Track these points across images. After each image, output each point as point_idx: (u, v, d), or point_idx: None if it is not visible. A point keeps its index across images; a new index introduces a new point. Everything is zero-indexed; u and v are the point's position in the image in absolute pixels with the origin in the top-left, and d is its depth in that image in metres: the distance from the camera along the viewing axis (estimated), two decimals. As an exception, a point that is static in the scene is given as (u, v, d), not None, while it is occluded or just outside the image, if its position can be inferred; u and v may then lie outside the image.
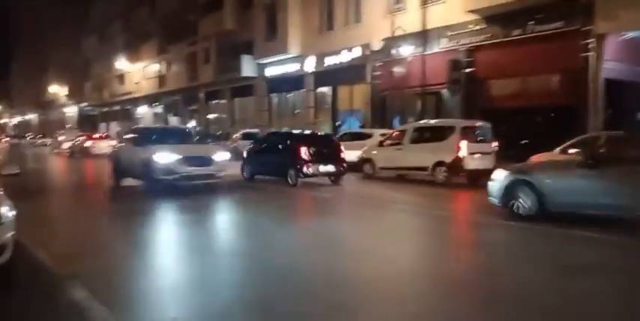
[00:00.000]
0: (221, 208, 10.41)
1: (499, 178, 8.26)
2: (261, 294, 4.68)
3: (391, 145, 14.64)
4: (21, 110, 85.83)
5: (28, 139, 56.35)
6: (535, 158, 11.82)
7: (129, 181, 12.79)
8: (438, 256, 6.27)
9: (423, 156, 13.47)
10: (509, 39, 16.68)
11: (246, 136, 22.70)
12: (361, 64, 22.40)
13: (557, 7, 15.27)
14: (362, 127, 22.08)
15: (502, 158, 12.92)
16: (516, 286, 4.85)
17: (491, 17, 17.07)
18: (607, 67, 14.91)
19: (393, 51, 20.80)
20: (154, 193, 11.29)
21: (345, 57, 23.15)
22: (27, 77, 76.02)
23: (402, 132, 14.77)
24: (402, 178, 14.65)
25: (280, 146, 13.79)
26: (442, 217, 8.93)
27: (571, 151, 11.36)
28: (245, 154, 14.98)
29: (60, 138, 35.01)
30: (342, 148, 14.06)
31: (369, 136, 17.39)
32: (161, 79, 41.32)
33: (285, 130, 18.96)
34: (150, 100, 43.61)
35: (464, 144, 12.85)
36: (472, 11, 17.20)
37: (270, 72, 28.37)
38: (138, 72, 45.11)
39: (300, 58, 25.84)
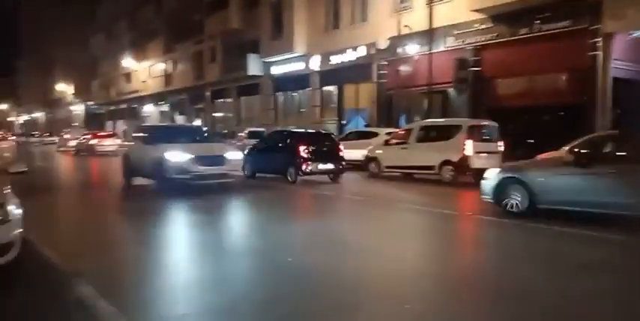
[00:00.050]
0: (230, 206, 10.40)
1: (492, 176, 8.53)
2: (268, 293, 4.69)
3: (397, 144, 14.62)
4: (28, 108, 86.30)
5: (35, 137, 56.63)
6: (541, 157, 11.77)
7: (140, 181, 12.62)
8: (440, 255, 6.25)
9: (430, 155, 13.45)
10: (516, 38, 16.61)
11: (252, 135, 22.72)
12: (367, 63, 22.37)
13: (564, 5, 15.20)
14: (367, 125, 22.07)
15: (509, 157, 12.88)
16: (516, 285, 4.83)
17: (497, 16, 17.00)
18: (615, 66, 14.84)
19: (399, 50, 20.76)
20: (164, 192, 11.21)
21: (351, 56, 23.12)
22: (34, 75, 76.38)
23: (408, 131, 14.75)
24: (408, 177, 14.63)
25: (280, 144, 14.05)
26: (448, 215, 8.91)
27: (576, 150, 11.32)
28: (246, 152, 15.04)
29: (66, 136, 35.20)
30: (341, 146, 14.27)
31: (374, 134, 17.38)
32: (167, 77, 41.43)
33: (280, 128, 19.08)
34: (156, 98, 43.73)
35: (470, 143, 12.83)
36: (477, 10, 17.15)
37: (276, 71, 28.38)
38: (144, 70, 45.25)
39: (306, 57, 25.83)
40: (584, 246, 6.47)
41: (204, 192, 11.01)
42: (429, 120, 16.16)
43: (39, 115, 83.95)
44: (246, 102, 32.91)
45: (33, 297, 4.48)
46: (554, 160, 8.17)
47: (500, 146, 13.61)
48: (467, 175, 13.00)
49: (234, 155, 11.97)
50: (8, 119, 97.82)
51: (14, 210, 4.70)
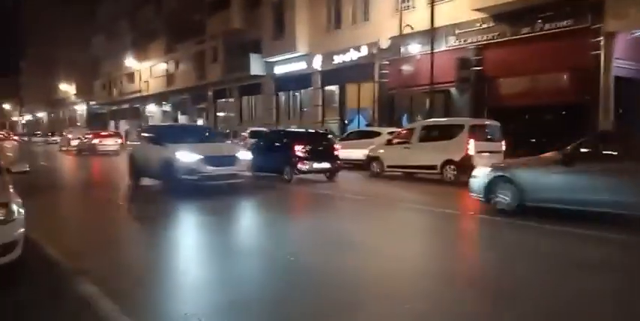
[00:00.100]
0: (232, 206, 10.38)
1: (480, 174, 8.73)
2: (271, 293, 4.71)
3: (399, 143, 14.62)
4: (31, 108, 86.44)
5: (38, 137, 56.77)
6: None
7: (146, 181, 12.50)
8: (442, 255, 6.25)
9: (432, 154, 13.45)
10: (518, 37, 16.61)
11: (254, 135, 22.71)
12: (369, 63, 22.38)
13: (565, 5, 15.20)
14: (368, 125, 22.09)
15: (511, 157, 12.84)
16: (518, 285, 4.85)
17: (499, 15, 17.00)
18: (617, 66, 14.82)
19: (401, 49, 20.77)
20: (171, 192, 11.04)
21: (352, 55, 23.13)
22: (36, 75, 76.42)
23: (410, 130, 14.74)
24: (409, 176, 14.63)
25: (277, 144, 14.24)
26: (450, 215, 8.92)
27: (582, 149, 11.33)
28: None
29: (68, 136, 35.32)
30: (337, 146, 14.60)
31: (376, 134, 17.38)
32: (169, 77, 41.48)
33: (281, 128, 19.12)
34: (158, 98, 43.79)
35: (472, 142, 12.83)
36: (479, 10, 17.16)
37: (278, 70, 28.40)
38: (146, 70, 45.32)
39: (308, 57, 25.85)
40: (583, 245, 6.46)
41: (205, 192, 10.95)
42: (431, 119, 16.16)
43: (42, 115, 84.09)
44: (248, 102, 32.95)
45: (36, 296, 4.50)
46: (542, 159, 8.31)
47: (503, 146, 13.59)
48: (469, 175, 12.96)
49: (244, 155, 11.77)
50: (11, 119, 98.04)
51: (17, 209, 4.73)
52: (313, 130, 15.73)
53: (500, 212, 8.21)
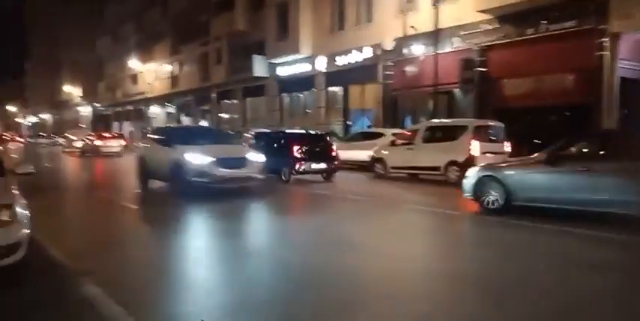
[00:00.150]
0: (235, 207, 10.37)
1: (471, 174, 8.97)
2: (273, 294, 4.71)
3: (403, 144, 14.60)
4: (35, 110, 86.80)
5: (42, 138, 56.99)
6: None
7: (156, 183, 12.35)
8: (444, 255, 6.25)
9: (436, 156, 13.43)
10: (523, 38, 16.57)
11: (258, 136, 22.69)
12: (373, 64, 22.36)
13: (570, 6, 15.15)
14: (370, 126, 22.08)
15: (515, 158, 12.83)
16: (522, 285, 4.83)
17: (503, 17, 16.96)
18: (622, 66, 14.77)
19: (405, 50, 20.76)
20: (180, 194, 10.91)
21: (356, 56, 23.12)
22: (41, 77, 76.83)
23: (414, 131, 14.72)
24: (414, 177, 14.61)
25: (275, 145, 14.37)
26: (453, 216, 8.92)
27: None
28: None
29: (71, 137, 35.46)
30: (334, 147, 14.82)
31: (380, 135, 17.37)
32: (173, 79, 41.58)
33: (277, 129, 19.19)
34: (162, 100, 43.89)
35: (476, 143, 12.80)
36: (483, 11, 17.11)
37: (281, 72, 28.43)
38: (150, 72, 45.43)
39: (312, 58, 25.86)
40: (582, 245, 6.46)
41: (210, 194, 10.87)
42: (435, 120, 16.13)
43: (46, 116, 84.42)
44: (252, 103, 32.97)
45: (40, 297, 4.51)
46: (529, 159, 8.49)
47: (507, 147, 13.57)
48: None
49: (257, 157, 11.50)
50: (16, 120, 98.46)
51: (22, 211, 4.74)
52: (310, 132, 15.83)
53: (492, 212, 8.40)
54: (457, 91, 19.25)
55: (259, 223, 9.08)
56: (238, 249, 6.63)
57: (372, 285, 4.93)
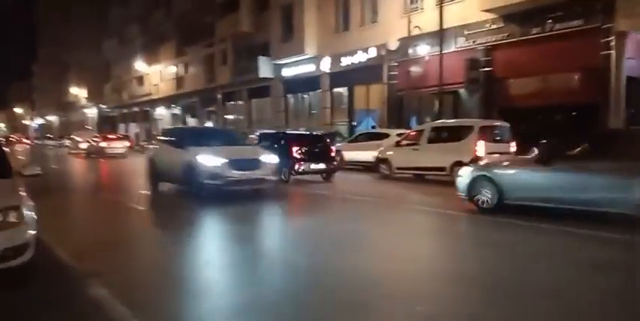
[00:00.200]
0: (239, 208, 10.38)
1: (465, 174, 8.99)
2: (279, 294, 4.71)
3: (408, 145, 14.58)
4: (42, 112, 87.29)
5: (49, 140, 57.31)
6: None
7: (166, 185, 12.21)
8: (448, 256, 6.24)
9: (441, 156, 13.39)
10: (528, 37, 16.51)
11: (263, 137, 22.73)
12: (377, 64, 22.35)
13: (576, 4, 15.09)
14: (373, 127, 22.06)
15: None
16: (529, 285, 4.81)
17: (508, 16, 16.91)
18: (628, 65, 14.69)
19: (410, 51, 20.73)
20: (192, 197, 10.74)
21: (361, 57, 23.11)
22: (48, 79, 77.28)
23: (419, 132, 14.69)
24: (419, 178, 14.58)
25: (275, 146, 14.33)
26: (457, 217, 8.88)
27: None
28: None
29: (77, 139, 35.67)
30: (333, 147, 15.12)
31: (385, 136, 17.34)
32: (179, 80, 41.70)
33: (282, 130, 19.30)
34: (168, 101, 44.03)
35: (481, 144, 12.76)
36: (488, 10, 17.07)
37: (286, 73, 28.46)
38: (156, 74, 45.60)
39: (317, 59, 25.87)
40: (582, 245, 6.43)
41: (219, 196, 10.78)
42: (440, 121, 16.10)
43: (53, 118, 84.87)
44: (257, 104, 33.02)
45: (48, 298, 4.53)
46: (521, 159, 8.55)
47: (513, 147, 13.51)
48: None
49: (271, 159, 11.18)
50: (23, 122, 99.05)
51: (29, 212, 4.77)
52: (310, 132, 15.96)
53: (486, 211, 8.43)
54: (462, 91, 19.21)
55: (265, 224, 9.08)
56: (246, 251, 6.63)
57: (372, 285, 4.91)
